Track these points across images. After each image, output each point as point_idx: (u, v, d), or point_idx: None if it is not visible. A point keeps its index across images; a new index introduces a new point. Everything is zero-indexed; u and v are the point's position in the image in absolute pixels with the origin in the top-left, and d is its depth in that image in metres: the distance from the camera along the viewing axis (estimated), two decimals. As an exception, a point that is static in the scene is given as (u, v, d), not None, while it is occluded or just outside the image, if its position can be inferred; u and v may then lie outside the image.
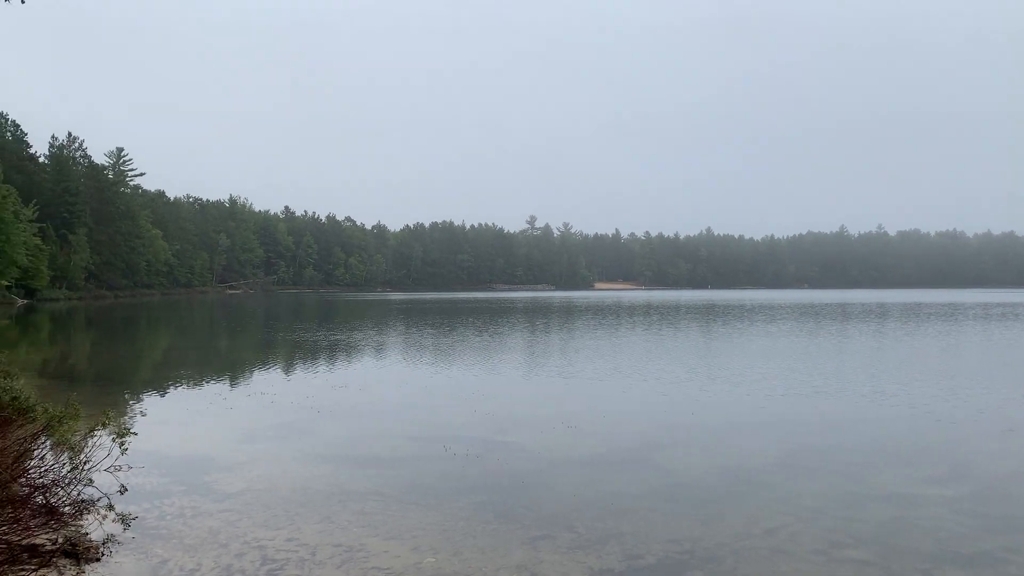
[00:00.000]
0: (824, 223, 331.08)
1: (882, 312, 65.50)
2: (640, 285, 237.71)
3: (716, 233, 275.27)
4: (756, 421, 15.45)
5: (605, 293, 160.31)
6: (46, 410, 10.88)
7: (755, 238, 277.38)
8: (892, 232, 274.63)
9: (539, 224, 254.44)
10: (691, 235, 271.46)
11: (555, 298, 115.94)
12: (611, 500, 9.70)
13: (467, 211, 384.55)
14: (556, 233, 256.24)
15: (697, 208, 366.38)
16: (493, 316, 58.52)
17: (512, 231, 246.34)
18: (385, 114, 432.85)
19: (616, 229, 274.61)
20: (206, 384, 21.20)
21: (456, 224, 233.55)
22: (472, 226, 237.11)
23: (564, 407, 17.04)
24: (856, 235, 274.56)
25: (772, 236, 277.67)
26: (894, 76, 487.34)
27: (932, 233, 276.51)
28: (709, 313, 64.21)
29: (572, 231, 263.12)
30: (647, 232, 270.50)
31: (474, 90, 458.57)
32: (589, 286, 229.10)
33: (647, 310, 71.13)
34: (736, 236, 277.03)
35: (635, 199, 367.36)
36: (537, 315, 61.64)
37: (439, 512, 9.10)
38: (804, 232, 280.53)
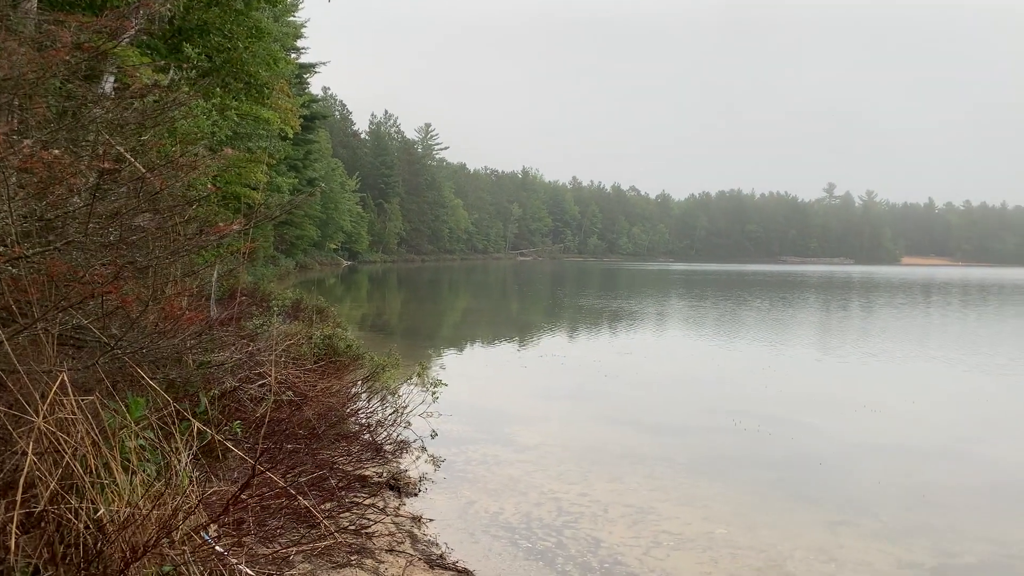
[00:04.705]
0: None
1: None
2: (956, 261, 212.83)
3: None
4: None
5: (913, 269, 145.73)
6: (372, 359, 12.29)
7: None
8: None
9: (838, 192, 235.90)
10: (1021, 204, 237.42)
11: (853, 273, 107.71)
12: (921, 491, 8.90)
13: (755, 180, 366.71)
14: (858, 202, 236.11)
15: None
16: (782, 291, 55.82)
17: (807, 199, 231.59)
18: (658, 75, 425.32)
19: (929, 198, 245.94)
20: (501, 343, 22.62)
21: (744, 192, 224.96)
22: (762, 195, 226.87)
23: (864, 390, 15.87)
24: None
25: None
26: None
27: None
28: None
29: (876, 199, 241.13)
30: (967, 201, 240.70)
31: (748, 44, 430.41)
32: (895, 260, 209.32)
33: (963, 289, 63.70)
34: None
35: (952, 163, 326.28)
36: (833, 291, 57.76)
37: (730, 485, 8.94)
38: None
